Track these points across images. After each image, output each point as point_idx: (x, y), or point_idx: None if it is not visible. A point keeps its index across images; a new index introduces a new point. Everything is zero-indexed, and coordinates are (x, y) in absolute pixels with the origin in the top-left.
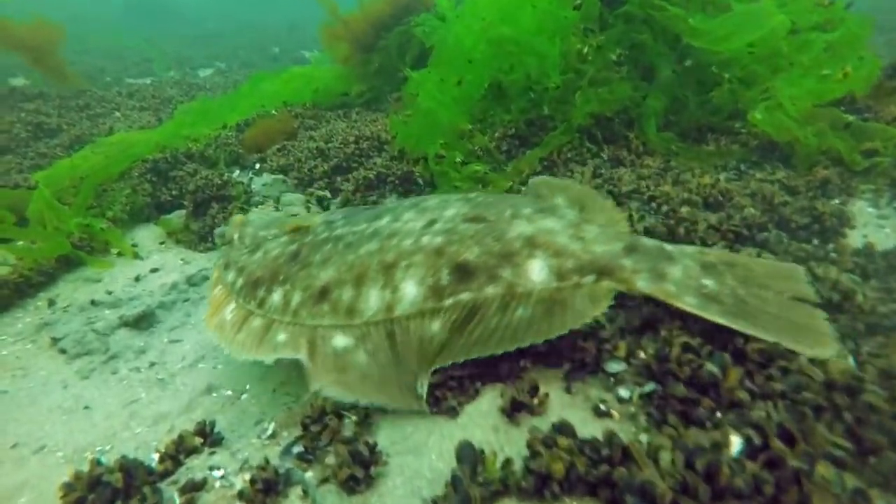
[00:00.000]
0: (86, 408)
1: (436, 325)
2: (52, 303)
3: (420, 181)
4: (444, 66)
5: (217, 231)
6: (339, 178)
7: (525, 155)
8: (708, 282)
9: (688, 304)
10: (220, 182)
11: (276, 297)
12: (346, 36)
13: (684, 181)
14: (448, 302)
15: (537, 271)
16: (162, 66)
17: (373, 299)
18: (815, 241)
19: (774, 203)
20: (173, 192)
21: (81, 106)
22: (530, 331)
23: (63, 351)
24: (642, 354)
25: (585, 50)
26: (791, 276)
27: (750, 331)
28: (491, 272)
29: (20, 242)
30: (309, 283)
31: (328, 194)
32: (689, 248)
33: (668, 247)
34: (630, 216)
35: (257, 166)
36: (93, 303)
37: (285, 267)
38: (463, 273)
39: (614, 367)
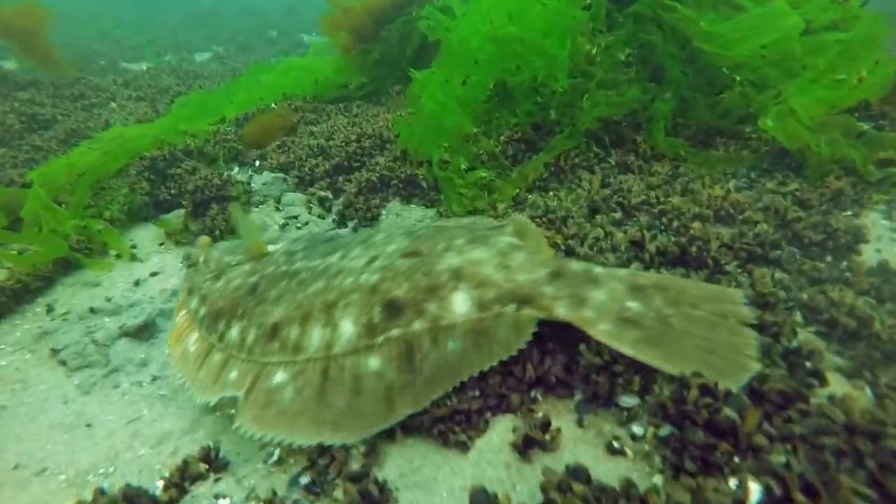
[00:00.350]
0: (88, 425)
1: (373, 363)
2: (50, 309)
3: (424, 184)
4: (449, 67)
5: (183, 252)
6: (340, 178)
7: (531, 160)
8: (633, 304)
9: (601, 331)
10: (219, 182)
11: (235, 332)
12: (347, 26)
13: (694, 191)
14: (380, 339)
15: (460, 303)
16: (152, 53)
17: (315, 337)
18: (829, 258)
19: (788, 218)
20: (172, 191)
21: (76, 95)
22: (464, 363)
23: (63, 363)
24: (657, 389)
25: (594, 51)
26: (727, 298)
27: (657, 363)
28: (418, 307)
29: (14, 246)
30: (263, 320)
31: (330, 195)
32: (623, 271)
33: (598, 269)
34: (641, 234)
35: (257, 163)
36: (92, 310)
37: (244, 301)
38: (393, 310)
39: (628, 401)
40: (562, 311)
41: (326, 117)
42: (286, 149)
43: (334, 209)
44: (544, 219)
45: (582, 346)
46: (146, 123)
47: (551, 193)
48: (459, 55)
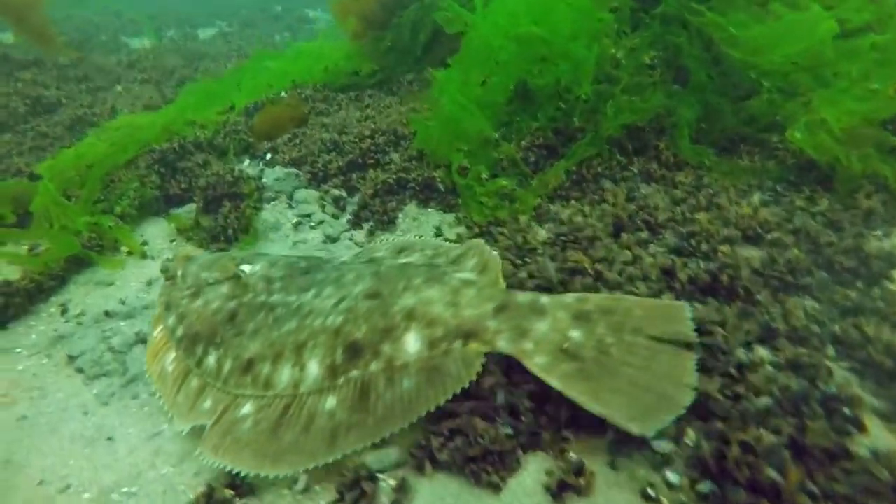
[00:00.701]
0: (108, 439)
1: (330, 402)
2: (64, 310)
3: (441, 188)
4: (468, 66)
5: (161, 265)
6: (354, 175)
7: (552, 167)
8: (575, 333)
9: (536, 364)
10: (231, 178)
11: (212, 360)
12: (357, 11)
13: (720, 205)
14: (341, 380)
15: (412, 343)
16: (153, 30)
17: (285, 375)
18: (861, 285)
19: (819, 243)
20: (182, 185)
21: (80, 77)
22: (420, 400)
23: (80, 370)
24: (692, 435)
25: (619, 55)
26: (672, 316)
27: (582, 400)
28: (374, 349)
29: (24, 244)
30: (239, 352)
31: (344, 193)
32: (570, 298)
33: (545, 299)
34: (672, 261)
35: (268, 157)
36: (107, 314)
37: (222, 328)
38: (353, 352)
39: (663, 446)
40: (502, 345)
41: (337, 107)
42: (298, 142)
43: (348, 208)
44: (571, 237)
45: None
46: (153, 111)
47: (572, 202)
48: (480, 54)
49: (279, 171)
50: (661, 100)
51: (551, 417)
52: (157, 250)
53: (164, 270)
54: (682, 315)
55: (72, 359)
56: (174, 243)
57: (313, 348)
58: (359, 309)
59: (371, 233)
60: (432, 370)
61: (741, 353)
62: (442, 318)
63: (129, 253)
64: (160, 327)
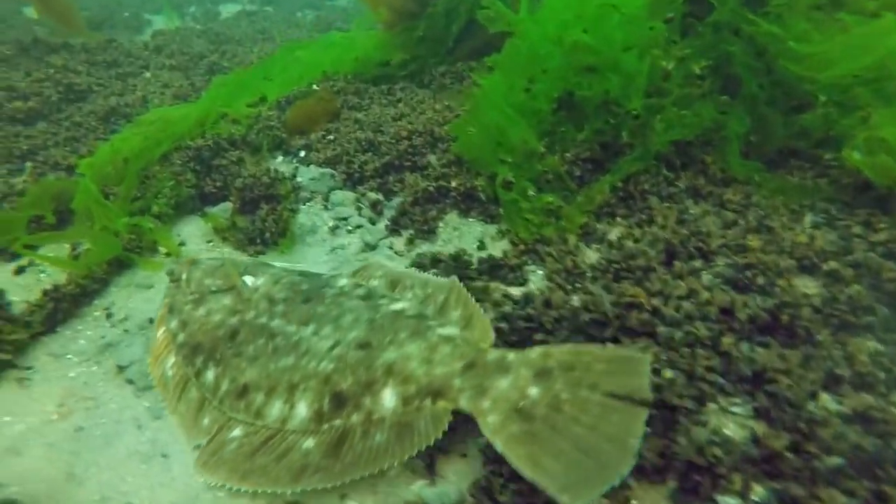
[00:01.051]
0: (163, 456)
1: (308, 443)
2: (109, 314)
3: (483, 197)
4: (513, 73)
5: (167, 268)
6: (391, 178)
7: (597, 182)
8: (533, 391)
9: (487, 423)
10: (268, 180)
11: (210, 375)
12: (388, 0)
13: (772, 229)
14: (325, 427)
15: (388, 398)
16: (172, 9)
17: (275, 409)
18: None
19: (881, 276)
20: (217, 184)
21: (109, 62)
22: (387, 454)
23: (131, 381)
24: (761, 490)
25: (670, 66)
26: (632, 370)
27: (520, 464)
28: (357, 401)
29: (66, 246)
30: (236, 375)
31: (381, 197)
32: (536, 352)
33: (511, 356)
34: (731, 302)
35: (302, 154)
36: (151, 321)
37: (222, 345)
38: (338, 401)
39: (729, 501)
40: (464, 403)
41: (369, 100)
42: (332, 141)
43: (386, 213)
44: (623, 265)
45: (680, 439)
46: (184, 102)
47: (617, 219)
48: (525, 61)
49: (314, 170)
50: (711, 113)
51: None
52: (195, 251)
53: (170, 273)
54: (641, 369)
55: (121, 368)
56: (210, 244)
57: (304, 391)
58: (348, 358)
59: (411, 241)
60: (403, 426)
61: (811, 406)
62: (415, 376)
63: (167, 254)
64: (163, 328)
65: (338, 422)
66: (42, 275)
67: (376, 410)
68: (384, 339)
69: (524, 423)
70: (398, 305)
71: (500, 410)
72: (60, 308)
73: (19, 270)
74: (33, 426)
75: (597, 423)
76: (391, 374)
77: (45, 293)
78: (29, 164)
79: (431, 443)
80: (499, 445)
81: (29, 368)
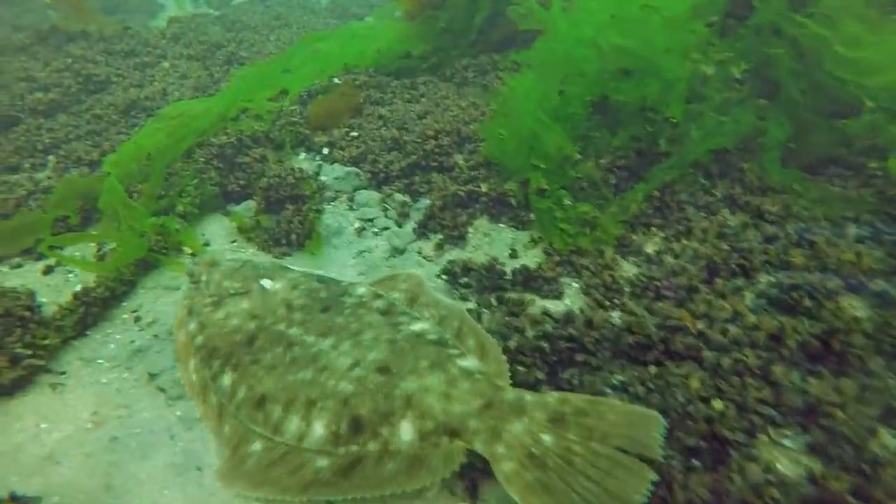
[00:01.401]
0: (198, 468)
1: (322, 462)
2: (137, 318)
3: (513, 202)
4: (547, 76)
5: (187, 269)
6: (417, 178)
7: (632, 190)
8: (547, 438)
9: (501, 471)
10: (293, 180)
11: (227, 380)
12: None
13: (814, 244)
14: (341, 451)
15: (406, 432)
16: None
17: (293, 425)
18: None
19: None
20: (241, 182)
21: (127, 52)
22: (393, 483)
23: (162, 390)
24: None
25: (710, 72)
26: (644, 427)
27: None
28: (374, 429)
29: (91, 245)
30: (253, 383)
31: (408, 199)
32: (553, 397)
33: (528, 397)
34: (781, 328)
35: (325, 151)
36: None
37: (239, 350)
38: (356, 426)
39: None
40: (479, 446)
41: (391, 95)
42: (356, 138)
43: (413, 215)
44: (665, 284)
45: (734, 476)
46: (205, 97)
47: (652, 229)
48: (560, 63)
49: (339, 169)
50: (751, 119)
51: (665, 500)
52: (219, 252)
53: (190, 274)
54: (655, 428)
55: (152, 376)
56: (234, 243)
57: (321, 410)
58: (368, 382)
59: (440, 246)
60: (416, 460)
61: (873, 445)
62: (433, 412)
63: (193, 254)
64: (182, 330)
65: (354, 448)
66: (70, 275)
67: (393, 442)
68: (404, 367)
69: (537, 472)
70: (418, 326)
71: (514, 458)
72: (91, 312)
73: (48, 270)
74: (69, 434)
75: (603, 479)
76: (410, 406)
77: (76, 296)
78: (52, 157)
79: (438, 480)
80: (512, 493)
81: (62, 373)
